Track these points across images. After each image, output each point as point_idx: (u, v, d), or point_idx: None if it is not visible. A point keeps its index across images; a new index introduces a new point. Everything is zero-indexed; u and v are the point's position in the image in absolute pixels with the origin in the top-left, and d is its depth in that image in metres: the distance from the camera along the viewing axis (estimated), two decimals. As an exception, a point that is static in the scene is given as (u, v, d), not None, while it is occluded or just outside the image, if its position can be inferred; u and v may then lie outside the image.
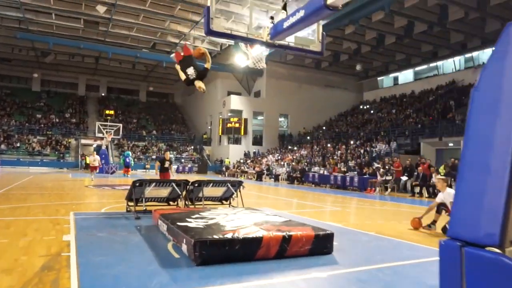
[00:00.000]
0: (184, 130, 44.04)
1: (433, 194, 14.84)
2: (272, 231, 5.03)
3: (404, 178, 16.75)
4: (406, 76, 36.46)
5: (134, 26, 29.32)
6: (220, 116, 37.29)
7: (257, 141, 37.74)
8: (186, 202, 8.79)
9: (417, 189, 15.62)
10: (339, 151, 26.48)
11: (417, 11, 24.56)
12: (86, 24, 29.19)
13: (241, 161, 33.14)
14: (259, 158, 32.68)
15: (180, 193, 8.49)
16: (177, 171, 33.44)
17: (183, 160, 36.47)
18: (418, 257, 5.04)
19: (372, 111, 34.43)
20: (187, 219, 5.99)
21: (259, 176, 24.65)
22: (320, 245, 5.11)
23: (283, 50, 6.44)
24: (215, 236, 4.64)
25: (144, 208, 7.93)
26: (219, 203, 9.48)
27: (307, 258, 4.83)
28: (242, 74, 37.63)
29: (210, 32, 5.35)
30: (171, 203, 9.04)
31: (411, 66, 34.96)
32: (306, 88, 37.77)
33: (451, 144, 23.30)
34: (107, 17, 27.27)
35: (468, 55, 30.82)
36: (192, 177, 27.27)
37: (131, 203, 8.32)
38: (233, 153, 35.54)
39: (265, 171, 25.97)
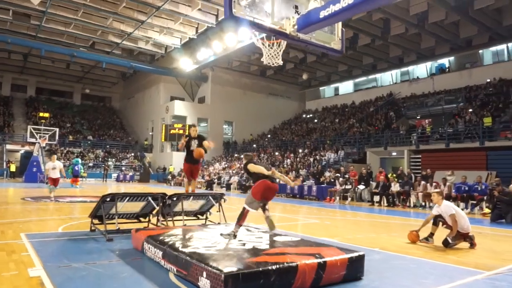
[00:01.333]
0: (123, 136, 41.28)
1: (392, 203, 15.00)
2: (303, 256, 4.25)
3: (361, 187, 16.79)
4: (346, 87, 37.64)
5: (71, 22, 26.71)
6: (163, 122, 35.48)
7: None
8: (159, 218, 7.64)
9: (376, 198, 15.67)
10: (288, 160, 26.28)
11: (362, 24, 25.26)
12: (16, 17, 26.01)
13: (188, 169, 31.61)
14: (205, 166, 31.48)
15: (156, 207, 7.34)
16: (118, 179, 31.06)
17: (123, 168, 33.98)
18: (455, 278, 4.55)
19: (316, 120, 34.93)
20: (186, 241, 4.97)
21: (209, 185, 23.53)
22: (354, 270, 4.44)
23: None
24: (245, 267, 3.74)
25: (117, 228, 6.66)
26: (195, 218, 8.42)
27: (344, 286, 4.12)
28: (186, 79, 36.25)
29: (231, 17, 4.46)
30: (141, 219, 7.82)
31: (352, 77, 36.14)
32: (251, 95, 37.39)
33: (394, 153, 24.19)
34: (41, 10, 24.48)
35: (404, 69, 32.53)
36: (134, 186, 25.61)
37: (97, 221, 7.02)
38: (177, 161, 33.85)
39: (215, 180, 24.87)
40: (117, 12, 24.64)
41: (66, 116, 40.64)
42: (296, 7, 5.02)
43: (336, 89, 38.88)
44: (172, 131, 34.13)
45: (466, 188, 13.19)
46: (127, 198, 6.88)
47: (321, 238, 7.23)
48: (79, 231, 7.17)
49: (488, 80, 25.73)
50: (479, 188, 12.94)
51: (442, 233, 7.03)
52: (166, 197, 7.40)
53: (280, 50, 5.31)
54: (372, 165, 22.72)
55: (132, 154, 37.46)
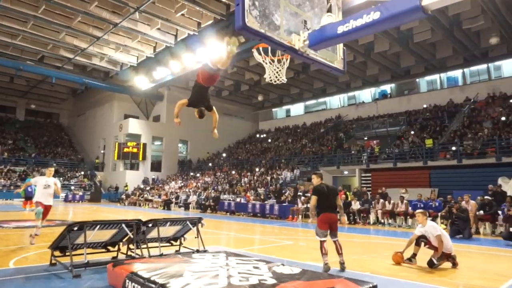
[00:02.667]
0: (72, 154, 38.29)
1: (353, 220, 14.87)
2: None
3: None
4: (297, 109, 38.11)
5: (19, 34, 24.45)
6: (116, 140, 33.43)
7: (155, 167, 34.75)
8: (130, 246, 6.65)
9: (337, 216, 15.44)
10: (246, 178, 25.67)
11: (315, 51, 25.70)
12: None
13: (144, 187, 29.80)
14: (160, 185, 29.90)
15: (128, 235, 6.36)
16: (66, 199, 28.49)
17: (72, 188, 31.30)
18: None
19: (269, 140, 34.82)
20: (179, 278, 4.15)
21: (167, 205, 22.15)
22: (371, 306, 3.89)
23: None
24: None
25: (86, 261, 5.60)
26: (168, 244, 7.49)
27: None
28: (141, 98, 34.68)
29: (243, 28, 3.86)
30: (110, 248, 6.76)
31: (303, 100, 36.67)
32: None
33: (346, 172, 24.52)
34: (-15, 20, 22.17)
35: (351, 94, 33.59)
36: (84, 207, 23.50)
37: (58, 253, 5.92)
38: (130, 179, 31.95)
39: (173, 199, 23.52)
40: (71, 26, 22.95)
41: (8, 132, 37.01)
42: (305, 22, 4.54)
43: (288, 110, 39.26)
44: (126, 150, 32.21)
45: (422, 205, 13.36)
46: (98, 226, 5.87)
47: (307, 262, 6.68)
48: (36, 266, 5.99)
49: (425, 106, 27.19)
50: (433, 205, 13.17)
51: (424, 253, 6.79)
52: (141, 224, 6.47)
53: (283, 68, 4.76)
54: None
55: (82, 172, 34.77)
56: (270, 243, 9.55)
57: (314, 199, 6.30)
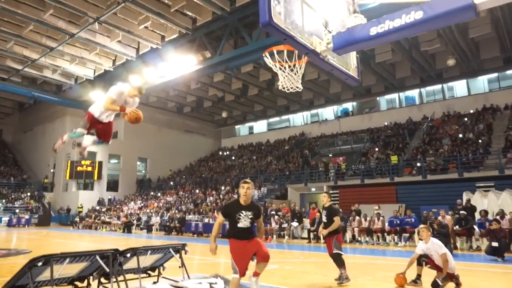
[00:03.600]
0: (17, 173, 35.21)
1: (329, 239, 14.52)
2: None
3: (294, 224, 16.10)
4: (261, 126, 37.98)
5: (-41, 41, 22.30)
6: (69, 158, 31.19)
7: (111, 186, 32.76)
8: (102, 281, 5.71)
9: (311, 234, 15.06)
10: (211, 197, 24.75)
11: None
12: None
13: (99, 209, 27.77)
14: (118, 206, 28.09)
15: (102, 267, 5.44)
16: (10, 224, 25.85)
17: (17, 211, 28.51)
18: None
19: (233, 158, 34.19)
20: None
21: (127, 228, 20.63)
22: None
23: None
24: None
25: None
26: (145, 275, 6.58)
27: None
28: (97, 113, 32.80)
29: (269, 24, 3.36)
30: (78, 284, 5.76)
31: (266, 117, 36.63)
32: (166, 132, 35.33)
33: (313, 189, 24.40)
34: None
35: (314, 111, 34.01)
36: (31, 232, 21.29)
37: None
38: (84, 200, 29.79)
39: (134, 221, 21.99)
40: (21, 35, 21.27)
41: None
42: (326, 23, 4.12)
43: (251, 128, 39.01)
44: (79, 168, 30.11)
45: (398, 222, 13.32)
46: (68, 259, 4.93)
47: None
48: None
49: (386, 124, 28.04)
50: (410, 221, 13.18)
51: (425, 274, 6.47)
52: (118, 254, 5.59)
53: (300, 73, 4.28)
54: (293, 201, 22.53)
55: (28, 193, 31.95)
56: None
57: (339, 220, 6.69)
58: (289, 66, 4.83)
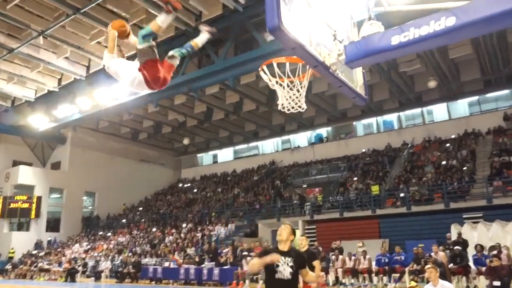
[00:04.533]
0: None
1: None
2: None
3: (268, 265, 15.53)
4: (226, 154, 37.59)
5: None
6: (0, 194, 29.18)
7: (52, 225, 30.81)
8: None
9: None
10: (170, 236, 23.77)
11: (249, 90, 25.84)
12: None
13: (37, 253, 25.81)
14: (60, 250, 26.32)
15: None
16: None
17: None
18: None
19: (195, 190, 33.39)
20: None
21: (71, 275, 19.14)
22: None
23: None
24: None
25: None
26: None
27: None
28: (36, 140, 31.25)
29: (278, 29, 3.09)
30: None
31: (232, 144, 36.34)
32: (119, 161, 34.07)
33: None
34: None
35: (285, 137, 34.15)
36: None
37: None
38: (18, 243, 27.66)
39: (79, 267, 20.48)
40: None
41: None
42: (335, 33, 3.91)
43: (215, 156, 38.54)
44: (13, 205, 28.15)
45: (386, 260, 13.17)
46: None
47: None
48: None
49: (364, 150, 28.51)
50: (399, 259, 13.06)
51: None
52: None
53: (304, 90, 4.01)
54: (265, 239, 22.04)
55: None
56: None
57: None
58: (292, 83, 4.55)
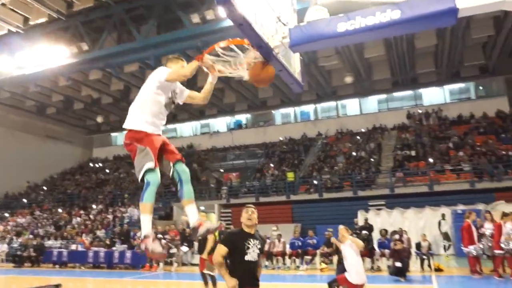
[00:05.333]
0: None
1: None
2: None
3: (184, 248, 15.31)
4: (142, 135, 36.08)
5: None
6: None
7: None
8: None
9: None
10: (78, 218, 22.29)
11: (171, 71, 24.96)
12: None
13: None
14: None
15: None
16: None
17: None
18: None
19: (107, 171, 31.66)
20: None
21: (-41, 260, 17.02)
22: None
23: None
24: None
25: None
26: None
27: None
28: None
29: (227, 1, 2.84)
30: None
31: (149, 125, 34.95)
32: (20, 137, 30.84)
33: (202, 208, 23.89)
34: None
35: (204, 122, 33.76)
36: None
37: None
38: None
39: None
40: None
41: None
42: (279, 18, 3.75)
43: (130, 136, 36.78)
44: None
45: (300, 244, 13.67)
46: None
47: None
48: None
49: (281, 138, 29.29)
50: (312, 243, 13.64)
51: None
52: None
53: (253, 59, 3.74)
54: (179, 222, 21.71)
55: None
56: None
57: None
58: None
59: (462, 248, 10.99)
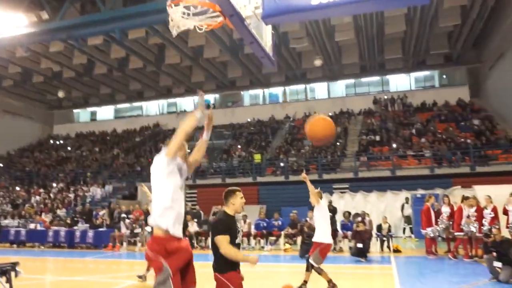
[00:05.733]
0: None
1: (191, 245, 14.10)
2: None
3: (148, 228, 15.09)
4: (106, 112, 35.14)
5: None
6: None
7: None
8: None
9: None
10: (37, 196, 21.54)
11: (137, 46, 24.25)
12: None
13: None
14: None
15: None
16: None
17: None
18: None
19: (69, 148, 30.65)
20: None
21: None
22: None
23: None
24: None
25: None
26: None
27: None
28: None
29: None
30: None
31: (114, 102, 34.02)
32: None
33: (168, 188, 23.67)
34: None
35: (172, 100, 33.15)
36: None
37: None
38: None
39: None
40: None
41: None
42: None
43: (94, 113, 35.74)
44: None
45: (265, 225, 13.81)
46: None
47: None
48: None
49: (249, 120, 29.22)
50: (277, 224, 13.80)
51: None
52: None
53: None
54: (144, 202, 21.41)
55: None
56: (106, 287, 7.78)
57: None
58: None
59: (420, 230, 11.45)
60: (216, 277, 3.64)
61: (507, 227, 9.71)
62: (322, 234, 6.62)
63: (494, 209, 9.69)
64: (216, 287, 3.64)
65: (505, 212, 9.95)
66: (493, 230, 7.78)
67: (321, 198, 6.93)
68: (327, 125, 4.52)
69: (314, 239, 6.74)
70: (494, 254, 7.41)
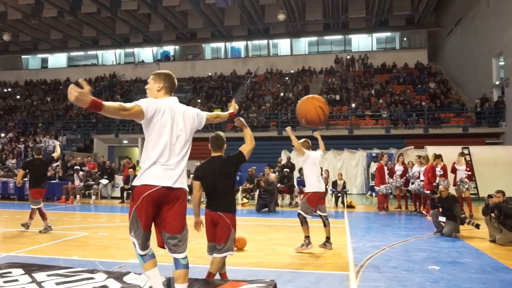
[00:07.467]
0: None
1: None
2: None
3: (103, 181, 14.79)
4: (58, 59, 33.16)
5: None
6: None
7: None
8: None
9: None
10: (-16, 146, 20.39)
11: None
12: None
13: None
14: None
15: None
16: None
17: None
18: None
19: (18, 97, 28.90)
20: None
21: None
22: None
23: None
24: None
25: None
26: None
27: None
28: None
29: None
30: None
31: (67, 49, 32.09)
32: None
33: (126, 141, 23.18)
34: None
35: (129, 50, 31.69)
36: None
37: None
38: None
39: None
40: None
41: None
42: None
43: (45, 60, 33.66)
44: None
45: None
46: None
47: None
48: None
49: (210, 74, 28.59)
50: (238, 179, 13.86)
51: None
52: None
53: None
54: (100, 154, 20.87)
55: None
56: (57, 239, 7.54)
57: None
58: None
59: (374, 187, 11.89)
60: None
61: (454, 185, 10.25)
62: (308, 184, 6.57)
63: (444, 167, 10.13)
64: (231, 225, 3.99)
65: (453, 171, 10.45)
66: (440, 187, 8.15)
67: (309, 148, 6.71)
68: (320, 113, 4.71)
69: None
70: (440, 209, 7.82)
